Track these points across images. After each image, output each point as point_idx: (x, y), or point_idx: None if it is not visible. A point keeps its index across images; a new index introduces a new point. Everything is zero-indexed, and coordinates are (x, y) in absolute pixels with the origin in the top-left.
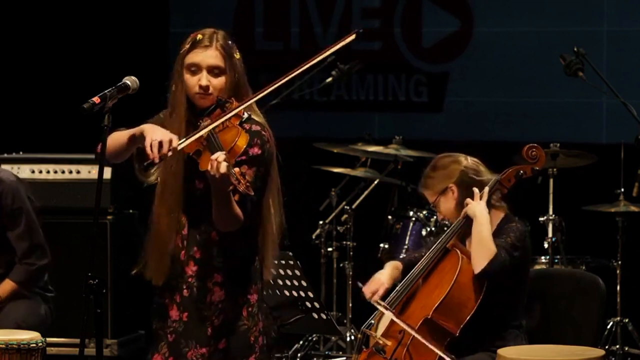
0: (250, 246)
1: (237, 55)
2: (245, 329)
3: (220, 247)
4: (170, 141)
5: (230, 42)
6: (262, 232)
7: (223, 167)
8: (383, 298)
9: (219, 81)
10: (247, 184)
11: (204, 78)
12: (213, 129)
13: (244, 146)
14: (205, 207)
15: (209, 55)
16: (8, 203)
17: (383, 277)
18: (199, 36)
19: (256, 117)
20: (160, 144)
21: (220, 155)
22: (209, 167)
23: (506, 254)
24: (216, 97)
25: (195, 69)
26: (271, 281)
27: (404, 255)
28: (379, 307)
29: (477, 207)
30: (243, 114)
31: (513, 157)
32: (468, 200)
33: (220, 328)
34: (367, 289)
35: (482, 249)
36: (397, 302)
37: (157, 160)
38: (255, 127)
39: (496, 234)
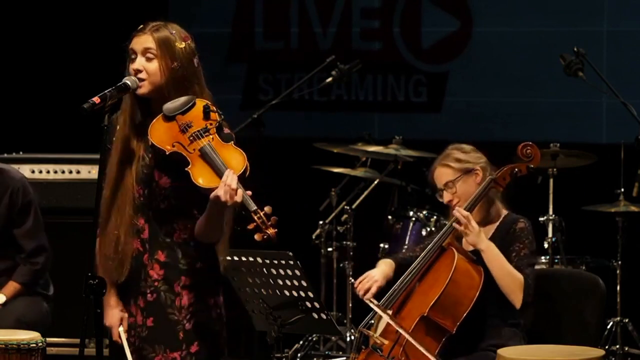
0: (212, 247)
1: (180, 45)
2: (215, 332)
3: (185, 250)
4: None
5: (173, 31)
6: None
7: (239, 197)
8: (378, 297)
9: (152, 65)
10: (274, 227)
11: (137, 62)
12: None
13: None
14: (167, 207)
15: (142, 40)
16: (20, 198)
17: (376, 275)
18: (141, 26)
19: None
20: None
21: (233, 182)
22: (221, 193)
23: (530, 269)
24: (156, 85)
25: (134, 56)
26: (271, 281)
27: (398, 254)
28: (375, 308)
29: (476, 238)
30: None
31: (513, 157)
32: (458, 210)
33: (191, 332)
34: (361, 286)
35: (511, 283)
36: (394, 301)
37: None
38: (226, 130)
39: (505, 234)
